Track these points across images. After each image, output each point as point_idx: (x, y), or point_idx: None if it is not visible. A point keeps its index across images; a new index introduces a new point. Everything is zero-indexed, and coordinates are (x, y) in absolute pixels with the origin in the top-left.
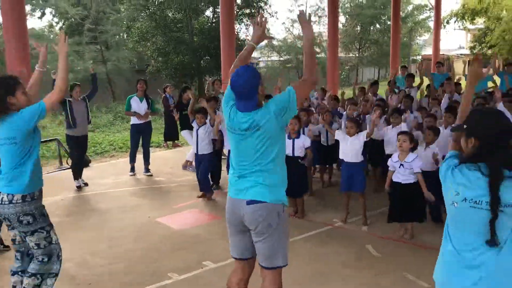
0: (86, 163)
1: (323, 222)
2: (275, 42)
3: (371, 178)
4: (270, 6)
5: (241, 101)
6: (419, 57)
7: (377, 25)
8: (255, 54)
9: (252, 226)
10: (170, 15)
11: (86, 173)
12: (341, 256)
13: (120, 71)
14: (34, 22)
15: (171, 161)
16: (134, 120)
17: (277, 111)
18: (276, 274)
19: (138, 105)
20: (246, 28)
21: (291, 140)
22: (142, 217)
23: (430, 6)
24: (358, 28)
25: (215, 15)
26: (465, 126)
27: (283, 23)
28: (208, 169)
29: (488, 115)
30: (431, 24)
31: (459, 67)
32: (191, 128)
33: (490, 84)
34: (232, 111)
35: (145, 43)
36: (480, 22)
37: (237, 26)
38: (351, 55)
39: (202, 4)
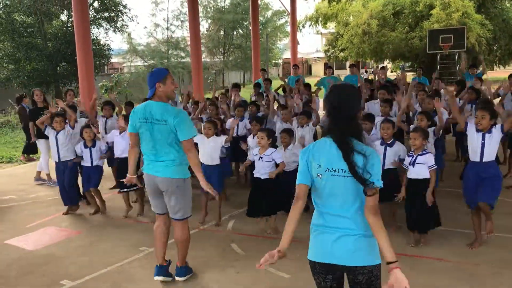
0: None
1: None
2: (138, 47)
3: (235, 174)
4: (129, 10)
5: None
6: (280, 61)
7: (240, 30)
8: (118, 59)
9: (164, 189)
10: (18, 18)
11: None
12: (204, 257)
13: None
14: None
15: (23, 177)
16: None
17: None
18: (184, 224)
19: None
20: (105, 33)
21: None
22: None
23: (288, 12)
24: (222, 33)
25: (70, 19)
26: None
27: (145, 27)
28: (73, 178)
29: (333, 90)
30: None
31: (318, 69)
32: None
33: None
34: (145, 109)
35: None
36: (332, 27)
37: (95, 31)
38: (216, 59)
39: (55, 8)
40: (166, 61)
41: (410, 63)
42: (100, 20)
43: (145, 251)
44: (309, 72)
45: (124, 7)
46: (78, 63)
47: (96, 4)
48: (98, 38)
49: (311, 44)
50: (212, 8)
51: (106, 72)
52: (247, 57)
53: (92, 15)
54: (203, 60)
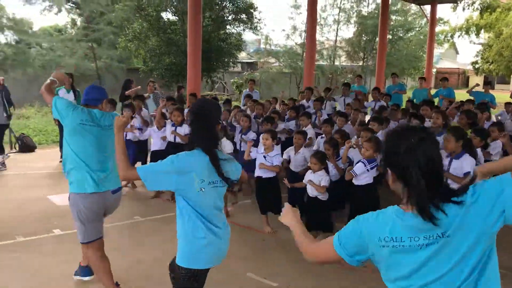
0: (31, 148)
1: None
2: (273, 47)
3: None
4: (259, 12)
5: None
6: (433, 70)
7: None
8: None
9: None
10: (164, 17)
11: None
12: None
13: (110, 69)
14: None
15: None
16: None
17: None
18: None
19: (65, 96)
20: (238, 33)
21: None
22: (37, 194)
23: (427, 19)
24: (364, 38)
25: (208, 20)
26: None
27: (283, 30)
28: None
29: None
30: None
31: (476, 81)
32: None
33: None
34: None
35: (138, 42)
36: (485, 38)
37: (233, 31)
38: (355, 64)
39: None
40: (300, 63)
41: None
42: (234, 22)
43: None
44: (466, 84)
45: (255, 9)
46: (188, 57)
47: (230, 6)
48: (231, 37)
49: (472, 54)
50: (355, 13)
51: (258, 70)
52: (387, 63)
53: (228, 17)
54: (342, 64)
